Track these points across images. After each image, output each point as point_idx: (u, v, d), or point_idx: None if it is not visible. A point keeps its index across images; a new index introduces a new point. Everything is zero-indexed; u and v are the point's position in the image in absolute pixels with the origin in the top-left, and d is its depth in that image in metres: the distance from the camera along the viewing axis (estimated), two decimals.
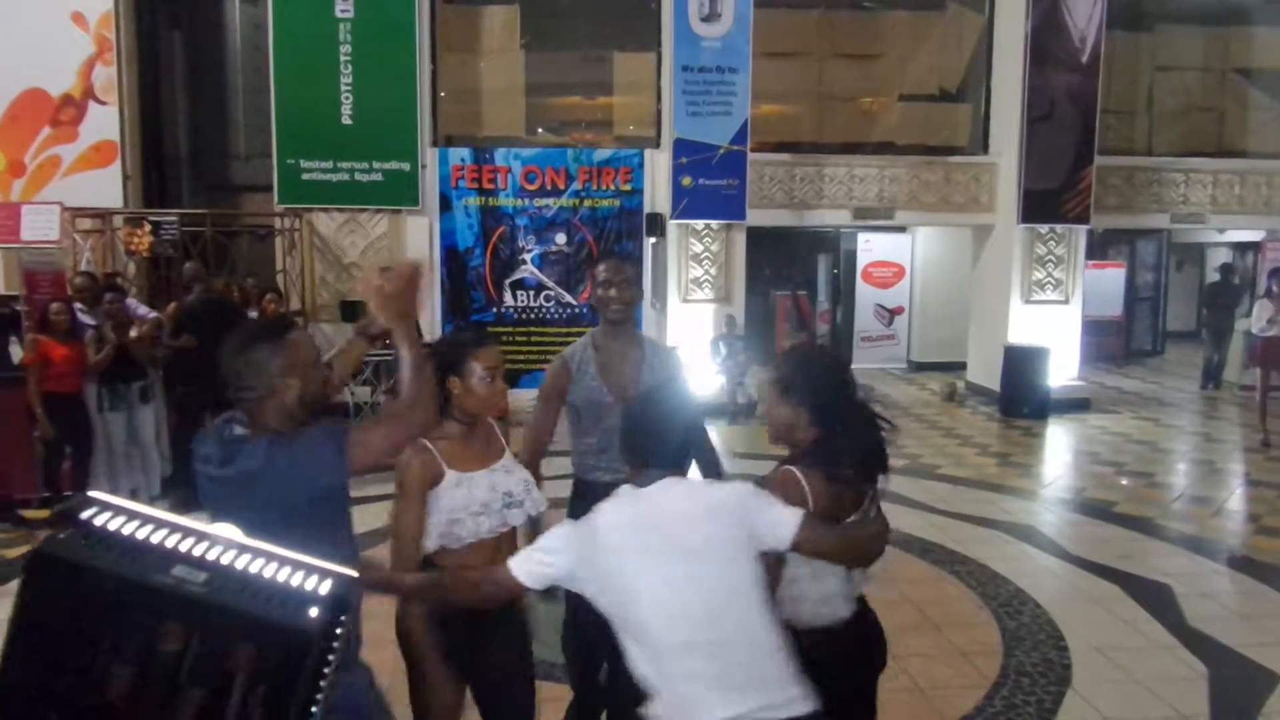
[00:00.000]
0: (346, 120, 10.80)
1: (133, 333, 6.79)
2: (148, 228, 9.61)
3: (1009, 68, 11.49)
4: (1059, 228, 11.42)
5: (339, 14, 10.67)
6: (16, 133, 10.55)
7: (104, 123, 10.64)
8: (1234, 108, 13.19)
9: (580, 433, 3.40)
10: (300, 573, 0.75)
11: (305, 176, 10.81)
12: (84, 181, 10.47)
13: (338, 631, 0.74)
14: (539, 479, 3.15)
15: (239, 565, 0.74)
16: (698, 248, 11.16)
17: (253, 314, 7.92)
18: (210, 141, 12.30)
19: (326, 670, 0.73)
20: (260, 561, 0.75)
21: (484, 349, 2.72)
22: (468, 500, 2.58)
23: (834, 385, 2.54)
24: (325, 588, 0.74)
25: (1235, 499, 7.63)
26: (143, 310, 7.27)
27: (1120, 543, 6.36)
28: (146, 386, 6.85)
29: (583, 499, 3.21)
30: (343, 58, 10.72)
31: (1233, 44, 13.22)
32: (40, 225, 7.17)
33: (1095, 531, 6.67)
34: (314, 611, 0.73)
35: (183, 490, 7.27)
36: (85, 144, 10.63)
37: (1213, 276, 15.72)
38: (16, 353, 6.52)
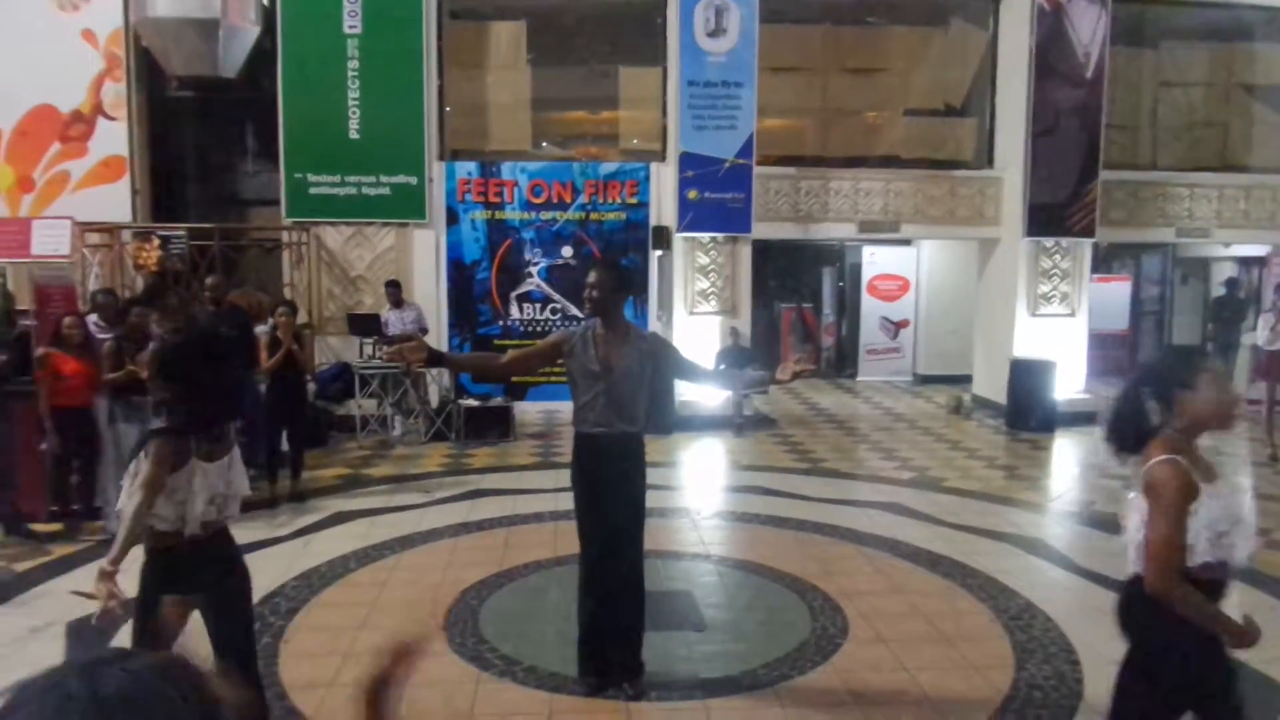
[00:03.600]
0: (354, 135, 10.87)
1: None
2: (156, 242, 9.65)
3: (1013, 83, 11.54)
4: (1064, 241, 11.45)
5: (347, 30, 10.75)
6: (26, 148, 10.62)
7: (113, 138, 10.72)
8: (1239, 123, 13.21)
9: (577, 396, 4.27)
10: None
11: (313, 190, 10.88)
12: (93, 196, 10.54)
13: None
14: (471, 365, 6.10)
15: None
16: (703, 260, 11.19)
17: (263, 328, 7.93)
18: (218, 156, 12.35)
19: None
20: None
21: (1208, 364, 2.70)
22: (1223, 514, 2.53)
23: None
24: None
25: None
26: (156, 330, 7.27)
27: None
28: (159, 402, 6.85)
29: (579, 447, 4.30)
30: (350, 73, 10.80)
31: (1237, 59, 13.25)
32: (51, 240, 7.21)
33: (1105, 545, 6.64)
34: None
35: None
36: (94, 159, 10.70)
37: (1218, 291, 15.71)
38: None
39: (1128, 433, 2.69)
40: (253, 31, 10.67)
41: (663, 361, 4.39)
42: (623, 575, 4.31)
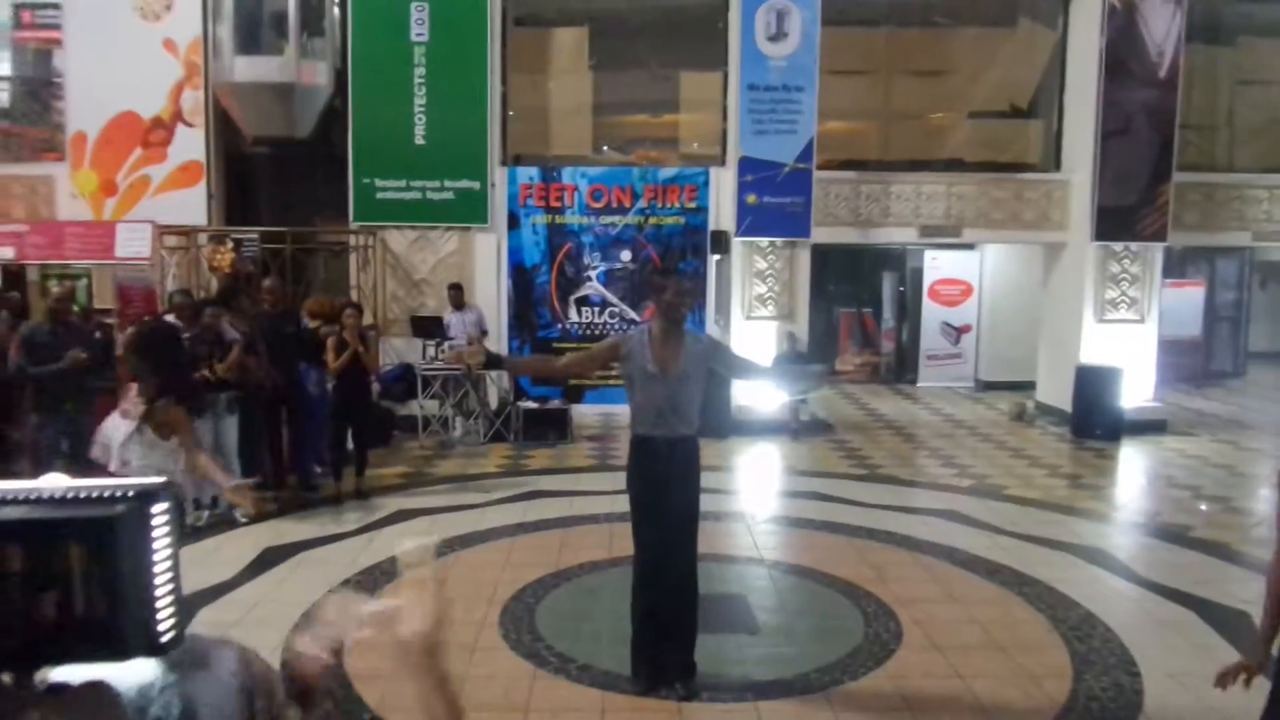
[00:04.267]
0: (419, 141, 11.10)
1: (218, 368, 7.03)
2: (230, 245, 9.98)
3: (1083, 83, 11.31)
4: (1134, 245, 11.18)
5: (414, 38, 10.99)
6: (110, 154, 11.06)
7: (191, 144, 11.10)
8: None
9: (634, 399, 4.36)
10: (112, 489, 0.88)
11: (379, 195, 11.14)
12: (171, 200, 10.93)
13: (153, 519, 0.88)
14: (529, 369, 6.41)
15: (56, 494, 0.87)
16: (761, 265, 11.18)
17: (333, 327, 8.16)
18: (290, 161, 12.69)
19: (157, 548, 0.87)
20: (77, 487, 0.88)
21: None
22: None
23: None
24: (131, 491, 0.87)
25: None
26: (231, 333, 7.52)
27: (1196, 568, 6.20)
28: (233, 398, 7.11)
29: (636, 448, 4.38)
30: (416, 80, 11.03)
31: None
32: (133, 243, 7.53)
33: (1170, 556, 6.52)
34: (120, 507, 0.87)
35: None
36: (173, 164, 11.09)
37: None
38: None
39: None
40: (325, 92, 11.08)
41: (717, 362, 4.46)
42: (677, 577, 4.36)
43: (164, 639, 0.88)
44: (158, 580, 0.88)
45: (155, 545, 0.88)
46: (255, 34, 11.10)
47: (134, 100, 11.00)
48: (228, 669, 0.92)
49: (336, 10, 11.19)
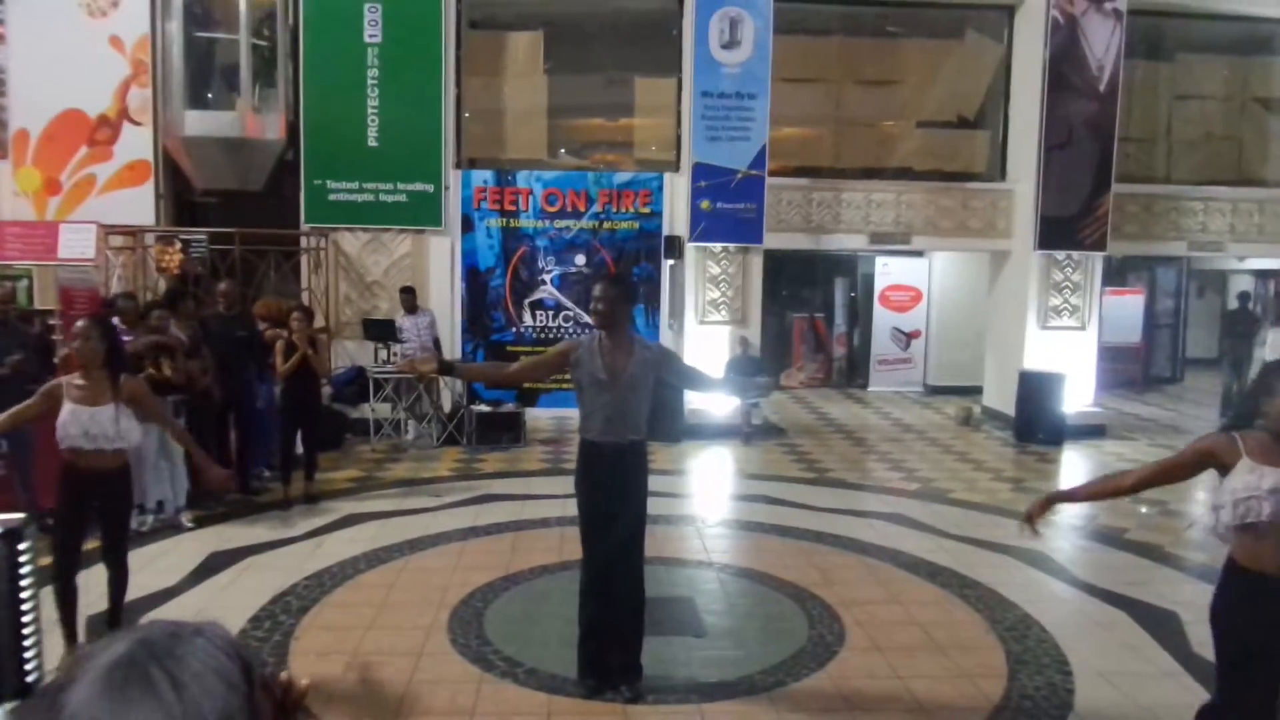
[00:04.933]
0: (372, 142, 11.05)
1: (166, 369, 6.93)
2: (178, 246, 9.84)
3: (1027, 95, 11.60)
4: (1076, 254, 11.48)
5: (367, 39, 10.93)
6: (54, 152, 10.85)
7: (138, 143, 10.92)
8: (1253, 137, 13.20)
9: (583, 404, 4.41)
10: None
11: (331, 197, 11.06)
12: (117, 200, 10.75)
13: (19, 558, 0.90)
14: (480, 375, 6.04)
15: None
16: (715, 270, 11.29)
17: (281, 330, 8.09)
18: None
19: (23, 587, 0.88)
20: None
21: None
22: (1254, 486, 3.10)
23: None
24: None
25: None
26: (175, 331, 7.42)
27: (1130, 570, 6.40)
28: (178, 402, 7.02)
29: (584, 454, 4.44)
30: (370, 81, 10.98)
31: (1253, 73, 13.26)
32: (76, 244, 7.41)
33: (1105, 558, 6.71)
34: None
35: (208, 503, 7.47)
36: (119, 163, 10.91)
37: (1232, 304, 15.69)
38: None
39: (1243, 416, 3.32)
40: (277, 146, 11.10)
41: (666, 370, 4.52)
42: (623, 580, 4.42)
43: (29, 679, 0.87)
44: (25, 619, 0.86)
45: (21, 584, 0.87)
46: (206, 87, 11.15)
47: (79, 98, 10.81)
48: (222, 637, 0.93)
49: (289, 61, 11.19)
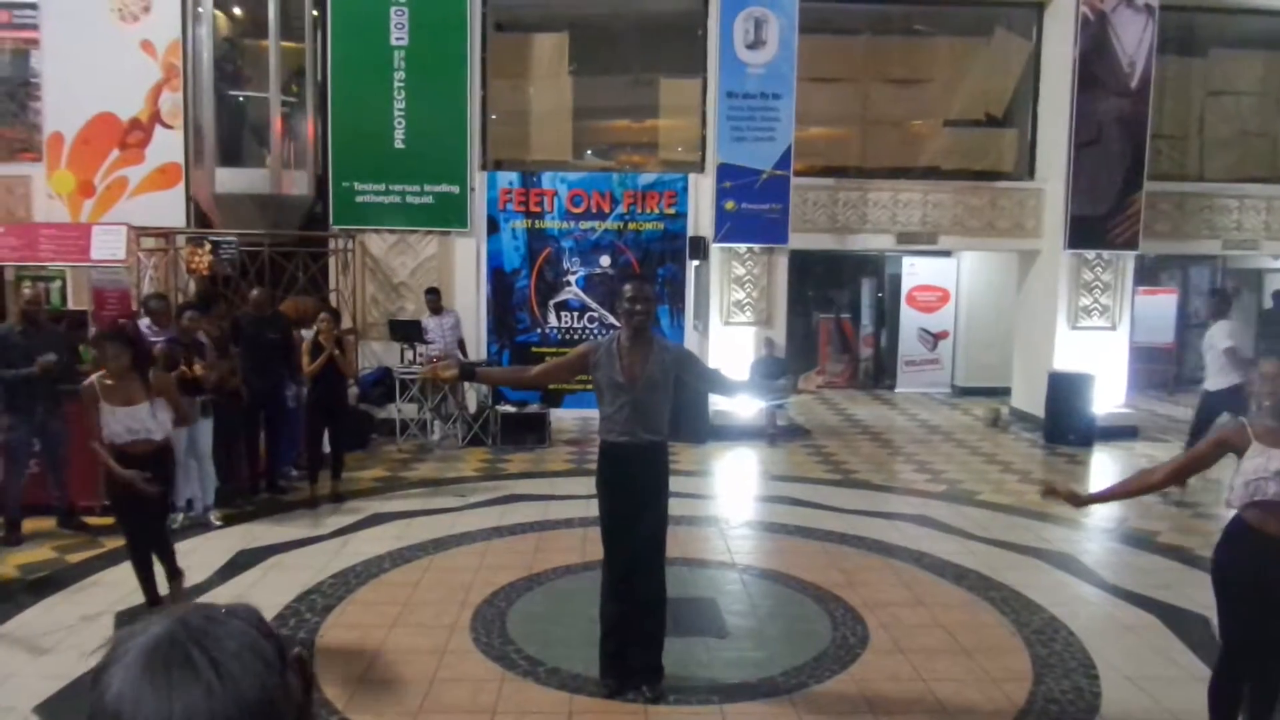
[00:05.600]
0: (399, 144, 11.12)
1: (198, 369, 7.01)
2: (208, 247, 9.95)
3: (1056, 93, 11.47)
4: (1106, 254, 11.33)
5: (394, 42, 11.01)
6: (87, 155, 11.02)
7: (169, 146, 11.07)
8: None
9: (603, 406, 4.41)
10: None
11: (359, 199, 11.15)
12: (149, 202, 10.89)
13: None
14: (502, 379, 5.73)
15: None
16: (740, 271, 11.26)
17: (308, 333, 8.17)
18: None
19: None
20: None
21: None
22: (1263, 468, 3.49)
23: None
24: None
25: None
26: (200, 337, 7.51)
27: (1160, 573, 6.31)
28: (207, 401, 7.11)
29: (604, 455, 4.44)
30: (396, 84, 11.05)
31: None
32: (109, 245, 7.51)
33: (1136, 561, 6.62)
34: None
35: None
36: (151, 166, 11.06)
37: (1268, 303, 15.42)
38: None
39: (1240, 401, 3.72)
40: (307, 200, 11.31)
41: (685, 372, 4.51)
42: (645, 580, 4.41)
43: None
44: None
45: None
46: (237, 145, 11.42)
47: (112, 101, 10.97)
48: (256, 617, 0.94)
49: (318, 116, 11.39)
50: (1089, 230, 11.23)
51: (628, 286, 4.43)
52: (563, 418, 11.29)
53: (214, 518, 7.17)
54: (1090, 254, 11.34)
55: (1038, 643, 5.06)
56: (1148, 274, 14.70)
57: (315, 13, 11.21)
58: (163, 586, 5.11)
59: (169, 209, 10.94)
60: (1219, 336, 8.46)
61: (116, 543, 6.56)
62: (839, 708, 4.33)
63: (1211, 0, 11.97)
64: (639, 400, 4.31)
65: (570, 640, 4.96)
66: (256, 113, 11.48)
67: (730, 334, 11.19)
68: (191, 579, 5.84)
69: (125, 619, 5.11)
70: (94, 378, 5.03)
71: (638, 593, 4.40)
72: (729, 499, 8.48)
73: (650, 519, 4.39)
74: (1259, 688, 3.68)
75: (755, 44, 10.88)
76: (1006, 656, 4.89)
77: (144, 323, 7.17)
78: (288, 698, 0.89)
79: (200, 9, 10.92)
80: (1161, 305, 14.71)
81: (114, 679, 0.84)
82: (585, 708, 4.30)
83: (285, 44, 11.16)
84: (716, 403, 10.63)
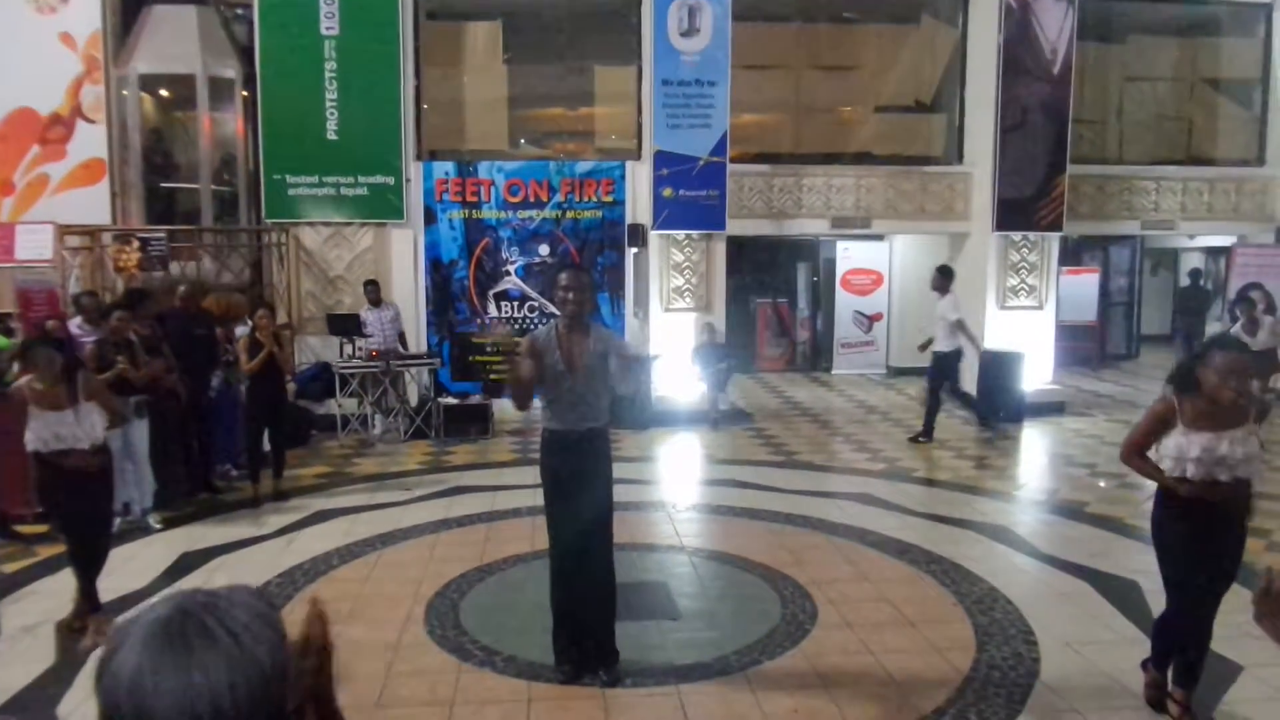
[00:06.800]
0: (331, 135, 10.95)
1: (143, 368, 6.85)
2: (136, 244, 9.70)
3: (982, 79, 11.76)
4: (1032, 235, 11.69)
5: (324, 32, 10.83)
6: (6, 151, 10.64)
7: (92, 141, 10.74)
8: (1203, 117, 13.51)
9: (544, 394, 4.44)
10: None
11: (291, 191, 10.96)
12: (72, 199, 10.57)
13: None
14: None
15: None
16: (679, 257, 11.35)
17: (243, 329, 8.03)
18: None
19: None
20: None
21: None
22: (1184, 448, 3.78)
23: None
24: None
25: None
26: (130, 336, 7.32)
27: (1091, 542, 6.56)
28: (141, 402, 6.95)
29: (546, 443, 4.48)
30: (328, 74, 10.88)
31: (1201, 54, 13.54)
32: (34, 244, 7.29)
33: (1067, 531, 6.88)
34: None
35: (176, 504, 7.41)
36: (74, 162, 10.73)
37: (1184, 282, 16.05)
38: None
39: (1184, 381, 3.82)
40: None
41: (610, 355, 4.47)
42: (592, 566, 4.46)
43: None
44: None
45: None
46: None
47: (30, 96, 10.61)
48: (254, 591, 0.97)
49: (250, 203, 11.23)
50: (1016, 212, 11.56)
51: (562, 276, 4.48)
52: (505, 408, 11.25)
53: (153, 521, 7.02)
54: (1017, 235, 11.69)
55: (978, 612, 5.24)
56: (1070, 254, 15.19)
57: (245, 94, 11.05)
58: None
59: (93, 206, 10.63)
60: (948, 309, 9.72)
61: (52, 551, 6.40)
62: (792, 683, 4.44)
63: None
64: (579, 388, 4.36)
65: (525, 629, 4.99)
66: (188, 202, 11.33)
67: (671, 320, 11.29)
68: (135, 584, 5.74)
69: (64, 627, 5.00)
70: (23, 381, 4.91)
71: (586, 577, 4.45)
72: (674, 483, 8.58)
73: (596, 505, 4.44)
74: (1192, 633, 4.05)
75: (689, 31, 10.95)
76: (950, 626, 5.06)
77: (75, 322, 6.98)
78: (291, 666, 0.93)
79: (125, 91, 10.63)
80: (1085, 284, 15.21)
81: (125, 662, 0.86)
82: (544, 694, 4.35)
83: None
84: (658, 388, 10.72)
